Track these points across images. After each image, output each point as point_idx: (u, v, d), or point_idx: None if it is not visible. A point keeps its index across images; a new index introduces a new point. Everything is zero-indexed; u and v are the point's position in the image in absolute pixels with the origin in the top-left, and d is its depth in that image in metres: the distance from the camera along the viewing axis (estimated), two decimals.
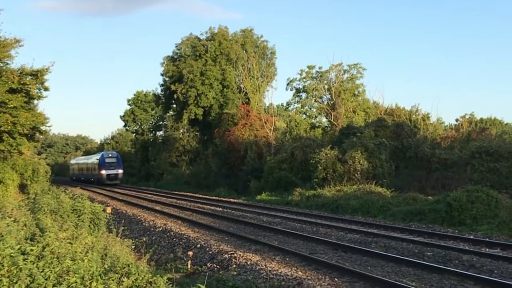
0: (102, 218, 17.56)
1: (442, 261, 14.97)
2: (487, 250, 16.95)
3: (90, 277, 8.59)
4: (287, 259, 15.48)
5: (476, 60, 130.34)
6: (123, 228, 15.69)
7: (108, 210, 18.88)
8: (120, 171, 77.53)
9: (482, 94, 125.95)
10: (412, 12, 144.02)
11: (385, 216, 27.58)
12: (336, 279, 12.88)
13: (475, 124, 60.39)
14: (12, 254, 8.79)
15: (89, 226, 16.39)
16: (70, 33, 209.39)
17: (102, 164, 76.96)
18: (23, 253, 9.13)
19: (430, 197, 30.27)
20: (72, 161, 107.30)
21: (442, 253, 15.84)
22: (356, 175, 38.61)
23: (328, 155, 40.05)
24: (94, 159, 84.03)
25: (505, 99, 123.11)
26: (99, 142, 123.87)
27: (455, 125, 63.91)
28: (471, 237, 19.81)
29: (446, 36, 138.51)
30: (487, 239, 19.05)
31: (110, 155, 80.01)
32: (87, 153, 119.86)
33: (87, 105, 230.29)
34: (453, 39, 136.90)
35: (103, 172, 76.22)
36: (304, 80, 65.92)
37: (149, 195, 49.80)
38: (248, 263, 14.41)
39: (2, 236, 10.03)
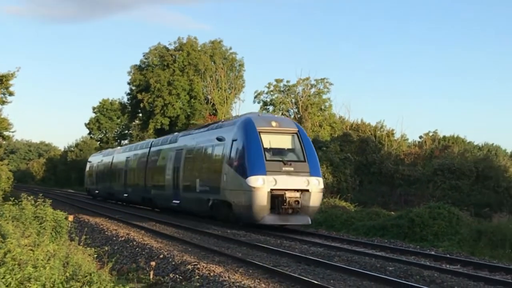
0: (64, 226, 17.37)
1: (404, 276, 15.09)
2: (447, 266, 17.15)
3: (52, 285, 8.52)
4: (251, 271, 15.45)
5: (441, 78, 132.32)
6: (85, 236, 15.53)
7: (70, 218, 18.62)
8: (315, 181, 25.75)
9: (446, 112, 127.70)
10: (378, 29, 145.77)
11: (348, 230, 27.75)
12: None
13: (438, 141, 61.10)
14: None
15: (51, 233, 16.21)
16: (35, 38, 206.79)
17: (251, 153, 25.48)
18: None
19: (393, 213, 30.58)
20: (95, 158, 60.22)
21: (403, 268, 15.97)
22: None
23: None
24: (209, 137, 30.35)
25: (468, 117, 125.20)
26: (62, 149, 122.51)
27: (419, 142, 64.55)
28: (432, 253, 20.06)
29: (411, 53, 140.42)
30: (448, 255, 19.29)
31: (275, 123, 26.93)
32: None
33: (51, 112, 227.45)
34: (418, 56, 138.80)
35: (259, 183, 24.63)
36: (271, 93, 66.24)
37: (111, 204, 49.29)
38: (211, 274, 14.36)
39: None
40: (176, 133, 39.99)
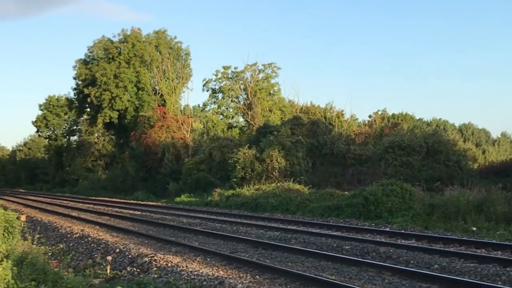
0: (16, 226, 17.02)
1: (360, 254, 15.26)
2: (402, 241, 17.40)
3: (6, 285, 8.32)
4: (208, 259, 15.43)
5: (387, 56, 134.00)
6: (38, 235, 15.26)
7: (23, 218, 18.29)
8: None
9: (394, 91, 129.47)
10: (324, 11, 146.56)
11: (303, 212, 27.96)
12: (257, 276, 12.92)
13: (388, 119, 61.89)
14: None
15: (3, 234, 15.87)
16: None
17: None
18: None
19: (346, 192, 30.88)
20: None
21: (359, 246, 16.16)
22: (274, 173, 38.98)
23: (246, 154, 40.27)
24: None
25: (416, 94, 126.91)
26: (11, 149, 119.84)
27: (369, 121, 65.28)
28: (387, 229, 20.36)
29: (358, 33, 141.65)
30: (403, 231, 19.59)
31: None
32: None
33: None
34: (365, 36, 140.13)
35: None
36: (220, 80, 65.95)
37: (64, 202, 48.63)
38: (169, 265, 14.27)
39: None
40: None
